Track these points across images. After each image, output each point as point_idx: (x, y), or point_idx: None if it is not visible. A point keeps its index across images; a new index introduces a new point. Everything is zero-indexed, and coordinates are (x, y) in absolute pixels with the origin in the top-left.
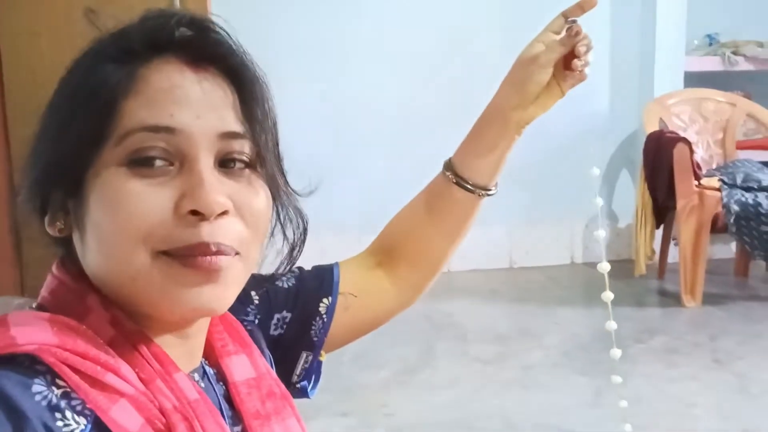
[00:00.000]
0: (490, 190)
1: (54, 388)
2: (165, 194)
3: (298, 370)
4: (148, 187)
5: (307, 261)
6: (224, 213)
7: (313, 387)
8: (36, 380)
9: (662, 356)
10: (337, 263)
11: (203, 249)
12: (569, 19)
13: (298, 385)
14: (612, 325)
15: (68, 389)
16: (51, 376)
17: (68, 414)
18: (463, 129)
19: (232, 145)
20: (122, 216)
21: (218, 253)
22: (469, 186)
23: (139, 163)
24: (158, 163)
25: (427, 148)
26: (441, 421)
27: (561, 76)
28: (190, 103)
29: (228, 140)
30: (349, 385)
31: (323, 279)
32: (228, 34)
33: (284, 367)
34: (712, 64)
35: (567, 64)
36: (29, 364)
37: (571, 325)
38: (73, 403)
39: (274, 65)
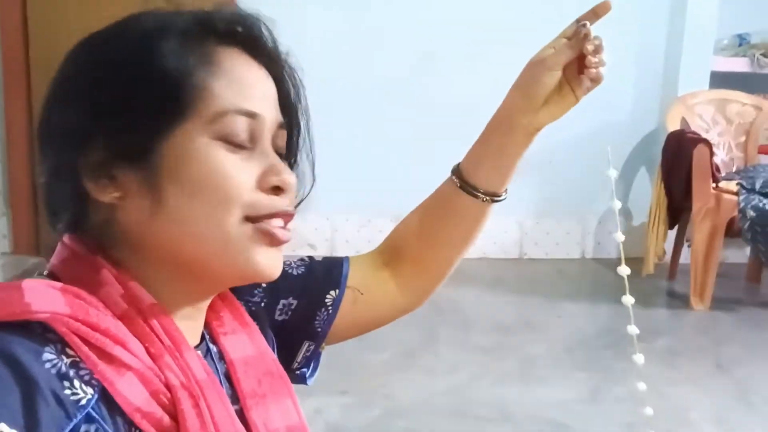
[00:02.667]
0: (499, 196)
1: (63, 357)
2: (251, 168)
3: (299, 358)
4: (239, 161)
5: (319, 240)
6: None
7: (311, 375)
8: (47, 348)
9: (664, 358)
10: (347, 258)
11: (285, 215)
12: (580, 22)
13: (297, 372)
14: (634, 329)
15: (77, 359)
16: (61, 345)
17: (76, 383)
18: (485, 116)
19: (280, 133)
20: (223, 183)
21: (290, 218)
22: (475, 192)
23: (229, 139)
24: (243, 140)
25: (441, 135)
26: (438, 406)
27: (576, 81)
28: (264, 94)
29: (280, 130)
30: (350, 365)
31: (332, 271)
32: (272, 33)
33: (285, 354)
34: (740, 65)
35: (581, 68)
36: (41, 332)
37: (575, 319)
38: (81, 373)
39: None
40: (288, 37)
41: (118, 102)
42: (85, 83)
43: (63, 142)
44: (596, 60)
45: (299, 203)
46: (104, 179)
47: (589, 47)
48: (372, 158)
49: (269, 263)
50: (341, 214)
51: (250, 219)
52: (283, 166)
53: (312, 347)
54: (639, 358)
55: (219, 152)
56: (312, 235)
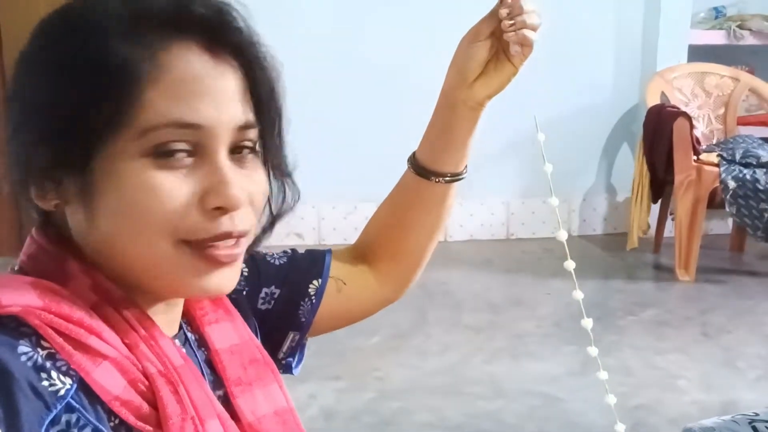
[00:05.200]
0: (459, 175)
1: (39, 349)
2: (189, 188)
3: (284, 348)
4: (173, 180)
5: (306, 229)
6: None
7: (297, 365)
8: (21, 341)
9: (652, 328)
10: (330, 250)
11: (227, 236)
12: None
13: (283, 362)
14: (579, 294)
15: (53, 351)
16: (36, 337)
17: (54, 374)
18: None
19: (245, 134)
20: (150, 208)
21: (239, 238)
22: (430, 175)
23: (162, 155)
24: (180, 155)
25: (427, 119)
26: (431, 386)
27: (509, 50)
28: (212, 97)
29: (243, 131)
30: (342, 350)
31: (315, 262)
32: (245, 20)
33: (271, 344)
34: (717, 37)
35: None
36: (15, 326)
37: (564, 295)
38: (58, 364)
39: (269, 30)
40: (266, 24)
41: (58, 106)
42: (37, 77)
43: (14, 140)
44: (510, 23)
45: (278, 216)
46: (50, 183)
47: (503, 11)
48: (356, 144)
49: (216, 284)
50: (327, 202)
51: (187, 243)
52: (232, 180)
53: (297, 337)
54: (588, 323)
55: (148, 171)
56: (299, 225)
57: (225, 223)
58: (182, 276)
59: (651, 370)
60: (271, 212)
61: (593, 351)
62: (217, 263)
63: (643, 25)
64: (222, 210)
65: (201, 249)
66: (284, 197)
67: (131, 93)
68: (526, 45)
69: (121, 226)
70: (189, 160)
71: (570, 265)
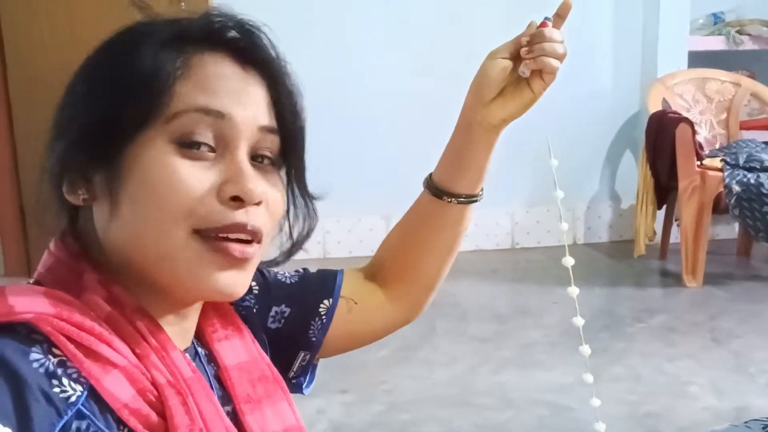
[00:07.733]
0: (474, 197)
1: (50, 356)
2: (208, 177)
3: (294, 367)
4: (194, 168)
5: (311, 243)
6: (258, 203)
7: (308, 385)
8: (33, 348)
9: (661, 335)
10: (342, 270)
11: (240, 228)
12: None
13: (293, 381)
14: (579, 321)
15: (64, 358)
16: (47, 344)
17: (65, 381)
18: None
19: (267, 139)
20: (169, 191)
21: (252, 234)
22: (447, 197)
23: (186, 145)
24: (203, 148)
25: (429, 130)
26: (439, 397)
27: (533, 77)
28: (238, 94)
29: (265, 134)
30: (349, 363)
31: (326, 281)
32: (272, 43)
33: (281, 363)
34: (716, 43)
35: (538, 65)
36: (27, 333)
37: (571, 304)
38: (69, 371)
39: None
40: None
41: (96, 104)
42: (77, 87)
43: (53, 146)
44: (526, 49)
45: (299, 242)
46: (81, 181)
47: (524, 39)
48: (358, 157)
49: (226, 283)
50: (331, 215)
51: (200, 233)
52: (250, 174)
53: (307, 357)
54: (585, 350)
55: (171, 158)
56: None
57: (239, 215)
58: (194, 268)
59: (661, 376)
60: (291, 237)
61: (588, 378)
62: (229, 257)
63: (643, 32)
64: (238, 202)
65: (213, 240)
66: (306, 219)
67: (162, 86)
68: (547, 72)
69: (140, 213)
70: (211, 155)
71: (573, 291)
